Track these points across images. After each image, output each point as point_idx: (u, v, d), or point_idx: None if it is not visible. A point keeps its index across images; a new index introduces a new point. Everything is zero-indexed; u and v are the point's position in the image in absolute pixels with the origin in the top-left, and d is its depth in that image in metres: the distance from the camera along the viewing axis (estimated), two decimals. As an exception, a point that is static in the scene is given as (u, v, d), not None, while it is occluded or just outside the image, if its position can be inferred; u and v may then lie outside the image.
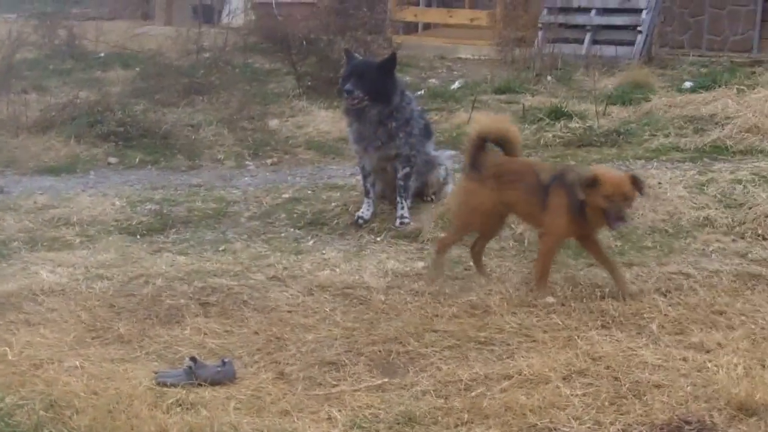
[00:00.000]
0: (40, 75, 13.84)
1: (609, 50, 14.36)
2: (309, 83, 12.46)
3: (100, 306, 5.70)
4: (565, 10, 15.23)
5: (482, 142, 6.10)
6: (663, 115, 10.45)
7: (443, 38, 17.25)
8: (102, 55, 15.73)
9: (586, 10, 15.20)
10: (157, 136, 9.97)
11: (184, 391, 4.57)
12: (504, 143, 6.16)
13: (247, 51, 15.01)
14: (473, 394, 4.57)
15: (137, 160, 9.58)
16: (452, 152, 8.24)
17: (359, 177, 7.73)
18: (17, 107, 10.79)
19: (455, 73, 14.50)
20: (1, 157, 9.64)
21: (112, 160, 9.54)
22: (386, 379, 4.80)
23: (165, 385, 4.66)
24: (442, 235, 6.60)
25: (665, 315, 5.51)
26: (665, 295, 5.82)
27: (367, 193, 7.47)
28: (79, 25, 16.81)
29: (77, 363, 4.88)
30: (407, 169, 7.36)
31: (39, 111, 10.85)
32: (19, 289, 5.91)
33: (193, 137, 10.16)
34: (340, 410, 4.44)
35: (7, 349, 5.02)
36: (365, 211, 7.41)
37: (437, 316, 5.55)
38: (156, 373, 4.79)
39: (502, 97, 12.04)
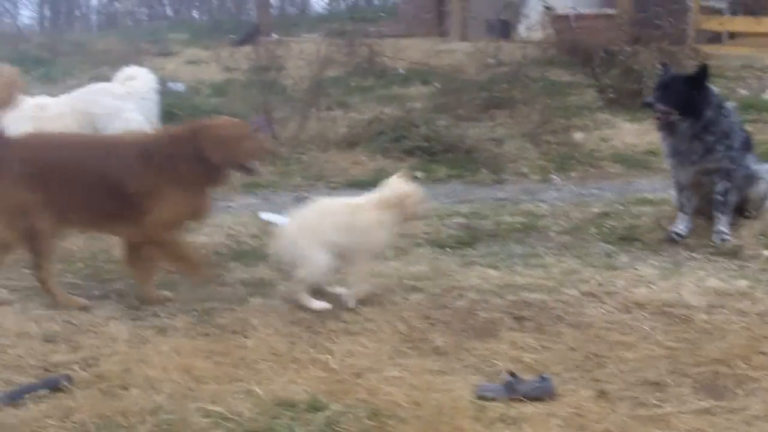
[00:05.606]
0: (342, 92, 14.26)
1: None
2: (611, 95, 12.24)
3: (416, 317, 5.72)
4: None
5: None
6: None
7: (750, 47, 16.49)
8: (402, 71, 16.03)
9: None
10: (460, 151, 10.06)
11: (505, 406, 4.51)
12: None
13: (544, 64, 14.94)
14: (809, 421, 4.27)
15: (443, 174, 9.69)
16: (774, 166, 7.85)
17: (671, 191, 7.47)
18: (325, 124, 11.15)
19: (766, 82, 13.84)
20: (311, 171, 10.00)
21: (418, 174, 9.66)
22: (714, 402, 4.56)
23: (485, 398, 4.62)
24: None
25: None
26: None
27: (682, 208, 7.22)
28: (378, 43, 17.23)
29: (397, 373, 4.90)
30: (726, 184, 7.05)
31: (345, 127, 11.16)
32: (337, 298, 6.02)
33: (496, 151, 10.18)
34: (667, 433, 4.25)
35: (328, 356, 5.11)
36: (681, 227, 7.16)
37: (766, 337, 5.24)
38: (476, 386, 4.75)
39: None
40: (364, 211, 5.99)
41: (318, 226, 5.91)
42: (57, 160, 5.90)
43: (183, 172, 5.83)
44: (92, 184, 5.86)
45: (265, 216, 8.06)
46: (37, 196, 5.80)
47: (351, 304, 5.88)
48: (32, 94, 8.83)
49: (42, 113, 8.05)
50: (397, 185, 6.05)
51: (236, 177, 6.54)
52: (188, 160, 5.83)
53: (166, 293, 6.14)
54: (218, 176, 6.00)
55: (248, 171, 6.13)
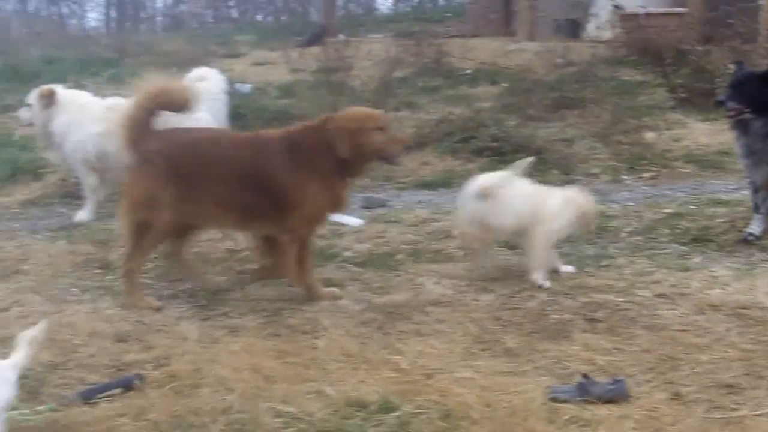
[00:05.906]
0: (410, 92, 14.22)
1: None
2: (682, 95, 12.07)
3: (487, 318, 5.68)
4: None
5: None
6: None
7: (823, 45, 16.18)
8: (469, 71, 15.95)
9: None
10: (530, 151, 9.93)
11: (579, 408, 4.45)
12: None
13: (614, 64, 14.80)
14: None
15: (511, 174, 9.60)
16: None
17: (745, 192, 7.35)
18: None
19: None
20: (379, 171, 9.96)
21: (488, 175, 9.62)
22: (791, 406, 4.47)
23: (558, 400, 4.57)
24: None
25: None
26: None
27: (756, 209, 7.10)
28: (445, 43, 17.18)
29: (468, 374, 4.86)
30: (802, 184, 6.92)
31: (413, 127, 11.12)
32: (407, 300, 6.02)
33: (567, 152, 10.08)
34: (744, 436, 4.17)
35: (399, 357, 5.08)
36: (755, 228, 7.04)
37: None
38: (549, 387, 4.70)
39: None
40: (547, 198, 6.37)
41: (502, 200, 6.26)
42: (201, 157, 5.94)
43: (321, 166, 5.82)
44: (238, 181, 5.86)
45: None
46: (167, 192, 5.85)
47: (539, 281, 6.26)
48: (103, 95, 8.92)
49: (114, 114, 8.11)
50: (583, 195, 6.54)
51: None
52: (323, 153, 5.81)
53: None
54: (353, 169, 5.97)
55: (387, 160, 6.11)
